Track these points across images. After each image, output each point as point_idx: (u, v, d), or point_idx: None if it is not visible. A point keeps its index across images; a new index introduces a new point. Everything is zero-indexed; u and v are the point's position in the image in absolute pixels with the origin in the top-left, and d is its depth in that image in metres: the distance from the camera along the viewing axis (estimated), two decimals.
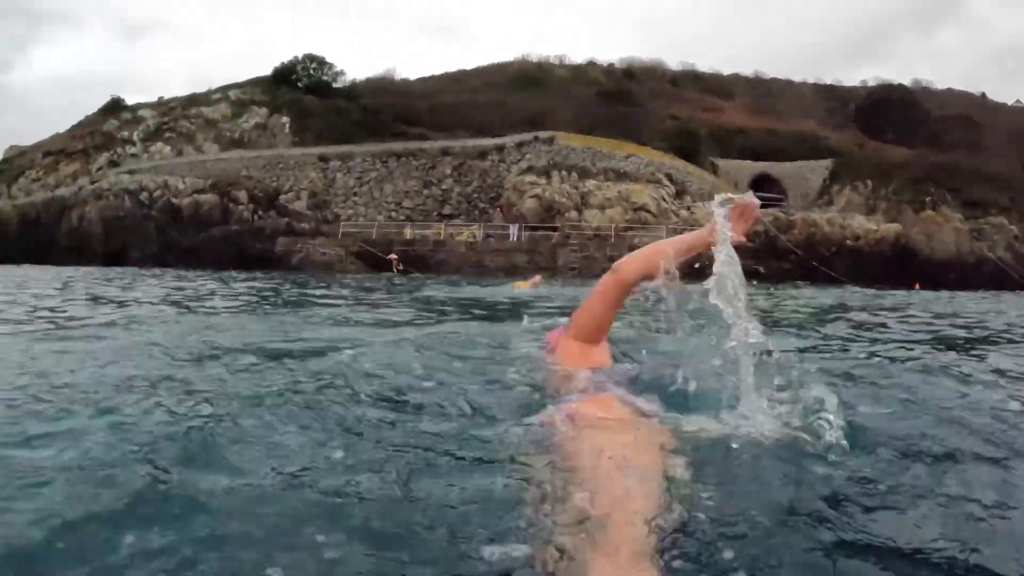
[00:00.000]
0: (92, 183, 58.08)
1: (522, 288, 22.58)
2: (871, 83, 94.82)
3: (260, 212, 51.48)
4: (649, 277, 3.60)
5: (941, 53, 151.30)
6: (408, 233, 46.36)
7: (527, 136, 54.74)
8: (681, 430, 2.81)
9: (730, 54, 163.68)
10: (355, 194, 56.02)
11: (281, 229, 47.16)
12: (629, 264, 3.80)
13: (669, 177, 51.00)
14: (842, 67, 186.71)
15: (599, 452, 2.47)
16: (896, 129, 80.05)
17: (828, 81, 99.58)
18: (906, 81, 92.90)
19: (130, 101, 76.90)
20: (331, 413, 3.21)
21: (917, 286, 38.46)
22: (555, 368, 3.78)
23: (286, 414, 3.17)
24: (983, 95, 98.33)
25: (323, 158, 57.24)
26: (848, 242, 44.41)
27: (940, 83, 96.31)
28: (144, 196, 53.11)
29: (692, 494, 2.29)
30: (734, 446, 2.68)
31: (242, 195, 52.25)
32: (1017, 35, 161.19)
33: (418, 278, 34.01)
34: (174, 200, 52.25)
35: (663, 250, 3.66)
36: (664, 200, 47.41)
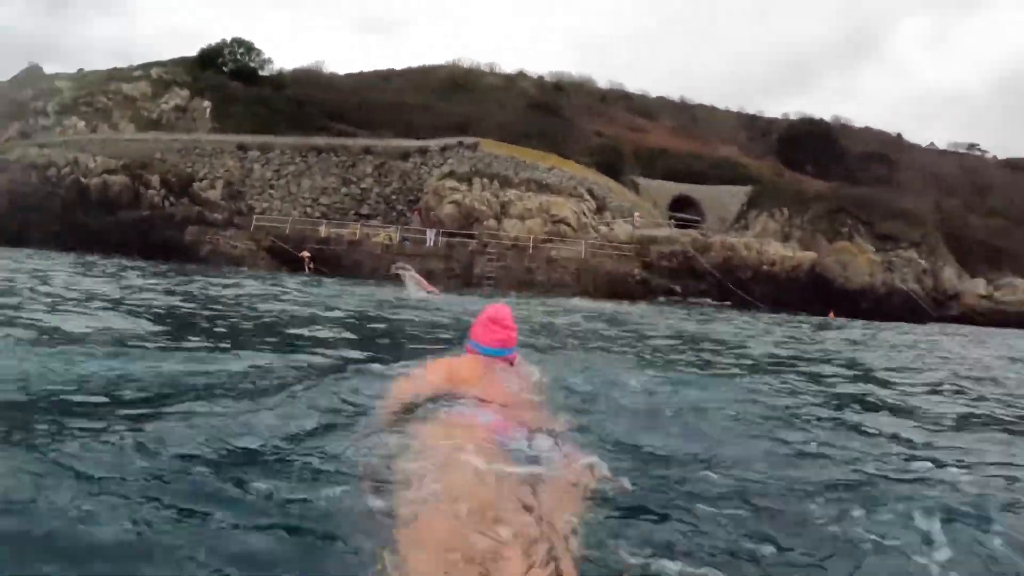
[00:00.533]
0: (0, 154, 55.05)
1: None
2: (793, 116, 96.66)
3: (172, 198, 48.99)
4: None
5: (861, 91, 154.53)
6: (323, 231, 44.79)
7: (451, 140, 53.74)
8: None
9: (658, 77, 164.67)
10: (272, 187, 54.27)
11: (192, 218, 45.16)
12: None
13: (591, 192, 50.37)
14: (765, 98, 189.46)
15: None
16: (814, 162, 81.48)
17: (751, 111, 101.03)
18: (827, 116, 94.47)
19: (49, 71, 73.60)
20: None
21: (832, 314, 38.55)
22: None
23: None
24: (899, 135, 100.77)
25: (242, 147, 55.32)
26: (764, 267, 44.38)
27: (859, 120, 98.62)
28: (51, 172, 50.20)
29: None
30: None
31: (154, 179, 49.71)
32: (934, 80, 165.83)
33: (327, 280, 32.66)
34: (83, 179, 49.36)
35: None
36: (584, 215, 46.71)
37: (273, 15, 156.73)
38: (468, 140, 53.41)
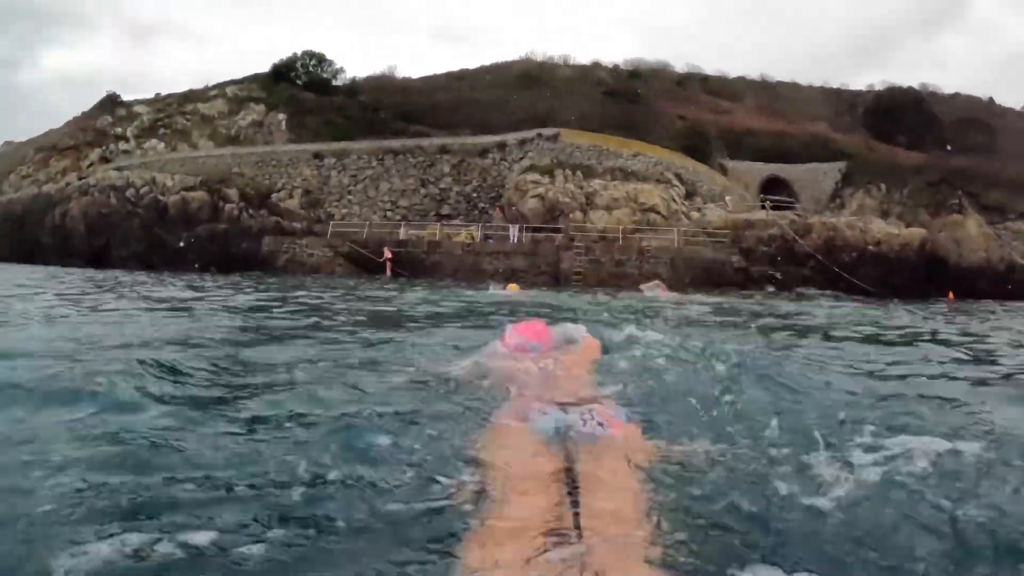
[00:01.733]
0: (80, 179, 54.36)
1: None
2: (878, 86, 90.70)
3: (251, 211, 47.92)
4: None
5: (945, 58, 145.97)
6: (402, 233, 42.32)
7: (530, 133, 50.83)
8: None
9: (735, 58, 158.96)
10: (350, 193, 52.12)
11: (269, 228, 43.25)
12: None
13: (679, 177, 47.08)
14: (847, 71, 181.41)
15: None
16: (906, 132, 76.42)
17: (835, 85, 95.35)
18: (913, 85, 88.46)
19: (132, 99, 72.95)
20: None
21: (952, 296, 34.73)
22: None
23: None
24: (990, 100, 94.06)
25: (318, 155, 53.32)
26: (870, 248, 40.10)
27: (946, 88, 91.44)
28: (131, 193, 49.36)
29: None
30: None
31: (232, 193, 48.66)
32: (1022, 41, 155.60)
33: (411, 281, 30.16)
34: (161, 197, 48.51)
35: None
36: (674, 201, 43.51)
37: (343, 29, 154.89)
38: (547, 131, 50.47)
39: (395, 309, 15.70)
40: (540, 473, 2.74)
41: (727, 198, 48.53)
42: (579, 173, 44.01)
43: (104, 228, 47.46)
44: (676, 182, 45.77)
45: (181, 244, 43.06)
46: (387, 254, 38.23)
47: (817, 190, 62.11)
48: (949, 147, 70.16)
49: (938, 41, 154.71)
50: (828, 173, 63.28)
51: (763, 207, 47.92)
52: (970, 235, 40.84)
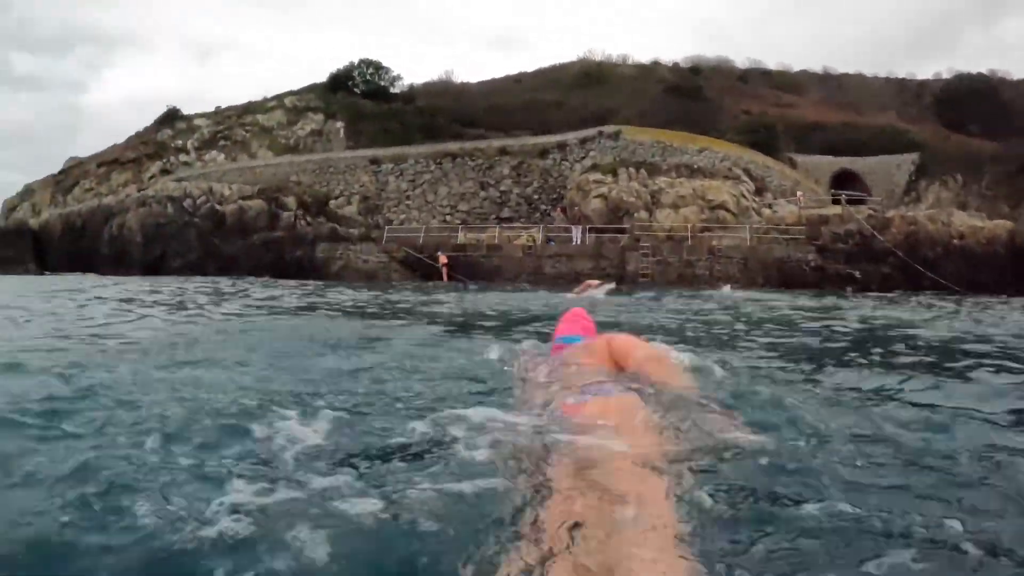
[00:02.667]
0: (139, 191, 53.56)
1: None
2: (945, 75, 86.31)
3: (308, 218, 46.53)
4: None
5: (1009, 45, 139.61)
6: (460, 237, 40.19)
7: (591, 132, 48.55)
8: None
9: (795, 52, 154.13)
10: (408, 198, 50.38)
11: (324, 235, 41.59)
12: None
13: (747, 172, 44.36)
14: (908, 61, 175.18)
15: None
16: (979, 121, 72.16)
17: (900, 74, 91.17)
18: (982, 71, 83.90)
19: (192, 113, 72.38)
20: None
21: None
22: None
23: None
24: None
25: (375, 161, 51.68)
26: (955, 242, 36.80)
27: (1015, 74, 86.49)
28: (188, 203, 48.41)
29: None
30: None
31: (290, 201, 47.33)
32: None
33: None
34: (219, 207, 47.57)
35: None
36: (744, 197, 40.71)
37: (400, 41, 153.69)
38: (608, 129, 48.19)
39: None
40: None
41: (798, 193, 45.64)
42: (643, 171, 41.52)
43: (160, 238, 46.90)
44: (745, 178, 43.02)
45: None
46: (442, 260, 36.14)
47: (890, 183, 58.85)
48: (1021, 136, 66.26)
49: (1000, 27, 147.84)
50: (901, 165, 59.97)
51: (837, 202, 45.06)
52: None
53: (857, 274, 35.48)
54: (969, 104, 74.23)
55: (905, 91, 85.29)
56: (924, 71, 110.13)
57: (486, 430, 3.20)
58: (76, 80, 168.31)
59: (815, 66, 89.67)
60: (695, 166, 43.22)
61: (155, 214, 48.22)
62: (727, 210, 39.26)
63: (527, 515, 2.31)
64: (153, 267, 43.46)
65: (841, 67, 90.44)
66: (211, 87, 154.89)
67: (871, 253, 36.05)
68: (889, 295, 28.47)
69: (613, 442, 2.85)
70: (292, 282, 30.79)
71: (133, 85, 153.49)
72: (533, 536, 2.15)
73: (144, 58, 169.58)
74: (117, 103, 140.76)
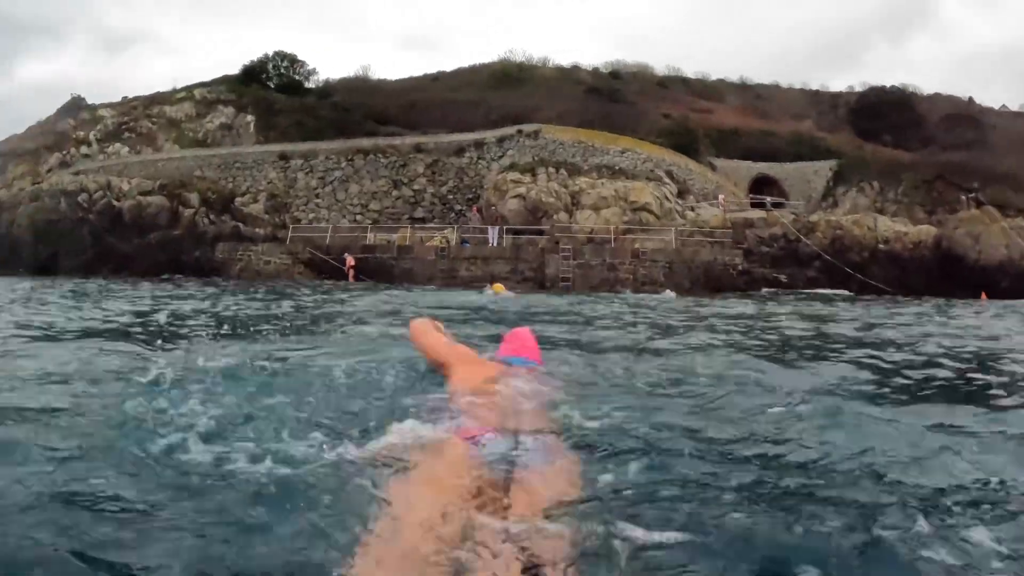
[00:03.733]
0: (34, 184, 49.15)
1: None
2: (857, 87, 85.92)
3: (212, 216, 43.15)
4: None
5: (915, 60, 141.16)
6: (369, 238, 37.08)
7: (509, 130, 45.99)
8: None
9: (710, 63, 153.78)
10: (317, 196, 46.95)
11: (225, 234, 38.21)
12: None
13: (670, 175, 42.33)
14: (818, 74, 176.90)
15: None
16: (892, 131, 71.71)
17: (814, 86, 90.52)
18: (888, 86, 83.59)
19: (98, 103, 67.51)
20: None
21: (984, 296, 30.05)
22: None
23: None
24: (970, 99, 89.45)
25: (284, 156, 48.16)
26: (881, 246, 35.36)
27: (924, 89, 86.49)
28: (83, 198, 44.48)
29: None
30: None
31: (193, 197, 43.94)
32: (989, 40, 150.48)
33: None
34: (116, 203, 43.82)
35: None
36: (667, 199, 38.51)
37: (316, 37, 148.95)
38: (528, 127, 45.66)
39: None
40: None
41: (720, 196, 43.72)
42: (563, 171, 39.10)
43: (52, 236, 42.83)
44: (667, 180, 40.96)
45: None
46: (349, 262, 33.07)
47: (807, 189, 57.54)
48: (937, 144, 66.05)
49: (905, 43, 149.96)
50: (819, 171, 58.76)
51: (758, 206, 43.30)
52: (989, 231, 35.92)
53: (782, 277, 33.77)
54: (883, 115, 73.79)
55: (820, 101, 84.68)
56: (836, 83, 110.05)
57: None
58: None
59: (732, 75, 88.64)
60: (617, 167, 41.00)
61: (47, 209, 44.41)
62: (650, 212, 37.03)
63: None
64: (44, 267, 39.77)
65: (757, 77, 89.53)
66: (123, 80, 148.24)
67: (796, 257, 34.69)
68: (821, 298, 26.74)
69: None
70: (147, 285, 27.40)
71: (43, 75, 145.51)
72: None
73: (54, 46, 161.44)
74: (26, 93, 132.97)
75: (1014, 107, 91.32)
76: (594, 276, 31.80)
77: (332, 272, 33.08)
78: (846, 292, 30.99)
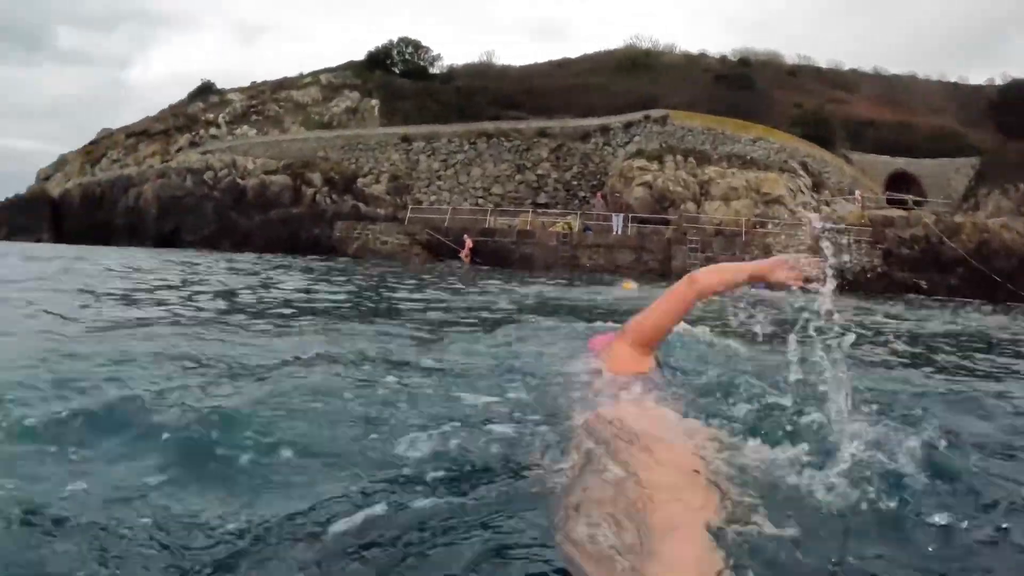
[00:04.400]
0: (163, 163, 50.20)
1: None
2: (998, 81, 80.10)
3: (334, 196, 43.29)
4: (723, 292, 3.63)
5: None
6: (490, 221, 35.94)
7: (636, 116, 44.13)
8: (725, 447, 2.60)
9: (844, 51, 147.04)
10: (439, 178, 46.19)
11: (344, 213, 37.85)
12: (709, 277, 3.59)
13: (804, 167, 39.84)
14: (955, 66, 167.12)
15: (624, 465, 2.37)
16: None
17: (952, 79, 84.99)
18: None
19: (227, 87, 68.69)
20: None
21: None
22: (601, 371, 3.62)
23: None
24: None
25: (406, 139, 47.51)
26: None
27: None
28: (209, 176, 45.28)
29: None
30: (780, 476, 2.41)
31: (316, 177, 44.27)
32: None
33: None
34: (240, 181, 44.44)
35: (742, 268, 3.64)
36: (802, 192, 36.10)
37: (444, 31, 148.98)
38: (655, 113, 43.78)
39: None
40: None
41: (857, 192, 41.04)
42: (691, 159, 37.23)
43: (176, 210, 44.26)
44: (801, 172, 38.52)
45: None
46: (468, 243, 31.91)
47: (947, 188, 53.77)
48: None
49: None
50: (960, 170, 54.82)
51: (904, 203, 40.44)
52: None
53: (923, 283, 31.04)
54: None
55: (959, 94, 79.46)
56: (975, 76, 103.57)
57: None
58: (122, 56, 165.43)
59: (865, 66, 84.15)
60: (748, 156, 38.85)
61: (173, 186, 45.75)
62: (783, 205, 34.78)
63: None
64: (166, 240, 40.97)
65: (891, 68, 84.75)
66: (253, 67, 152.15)
67: (938, 261, 31.74)
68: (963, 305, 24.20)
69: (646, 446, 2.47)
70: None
71: (178, 63, 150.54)
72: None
73: (189, 37, 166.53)
74: (161, 80, 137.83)
75: None
76: None
77: (449, 254, 32.06)
78: None
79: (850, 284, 29.40)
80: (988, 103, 74.79)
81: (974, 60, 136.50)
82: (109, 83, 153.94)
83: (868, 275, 30.55)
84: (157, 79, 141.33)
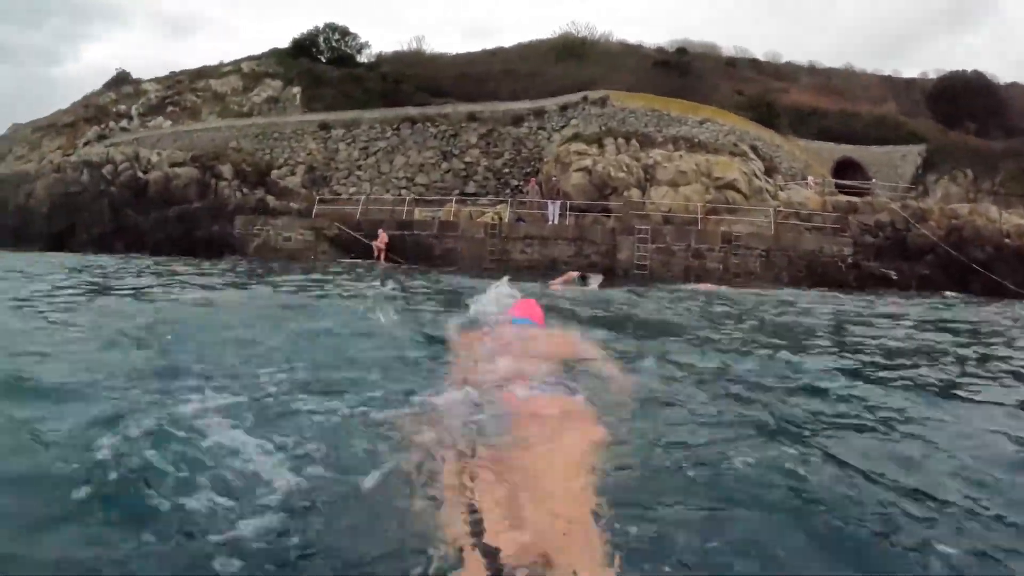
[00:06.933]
0: (64, 157, 44.21)
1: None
2: (931, 74, 77.02)
3: (246, 189, 37.27)
4: None
5: (976, 52, 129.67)
6: (411, 212, 30.51)
7: (573, 98, 39.32)
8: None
9: (776, 45, 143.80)
10: (359, 168, 41.00)
11: (247, 207, 32.34)
12: None
13: (754, 150, 35.04)
14: (886, 61, 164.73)
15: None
16: (973, 119, 63.35)
17: (886, 72, 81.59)
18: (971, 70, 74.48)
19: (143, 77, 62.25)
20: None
21: None
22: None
23: None
24: None
25: (325, 126, 42.29)
26: (1007, 241, 28.12)
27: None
28: (108, 170, 39.13)
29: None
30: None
31: (226, 169, 38.29)
32: None
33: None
34: (141, 175, 38.23)
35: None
36: (756, 176, 31.35)
37: (371, 25, 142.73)
38: (594, 94, 39.08)
39: None
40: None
41: (809, 178, 36.67)
42: (634, 142, 32.35)
43: (69, 210, 37.80)
44: (752, 155, 33.69)
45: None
46: (382, 239, 26.48)
47: (894, 175, 50.03)
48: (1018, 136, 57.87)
49: (964, 37, 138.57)
50: (907, 156, 51.39)
51: (843, 190, 36.48)
52: None
53: (892, 273, 26.75)
54: (965, 101, 65.54)
55: (894, 86, 76.19)
56: (908, 70, 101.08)
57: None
58: (51, 51, 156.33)
59: (800, 59, 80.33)
60: (696, 139, 34.07)
61: (67, 182, 39.21)
62: (738, 191, 29.99)
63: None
64: (58, 241, 35.27)
65: (826, 62, 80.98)
66: (183, 59, 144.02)
67: (905, 249, 27.64)
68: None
69: (548, 443, 2.64)
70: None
71: (105, 58, 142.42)
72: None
73: (116, 31, 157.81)
74: (90, 75, 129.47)
75: None
76: (676, 264, 25.06)
77: (362, 251, 26.63)
78: None
79: (818, 277, 25.01)
80: (924, 95, 71.76)
81: (903, 55, 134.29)
82: (36, 79, 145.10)
83: (839, 265, 26.17)
84: (86, 74, 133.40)
